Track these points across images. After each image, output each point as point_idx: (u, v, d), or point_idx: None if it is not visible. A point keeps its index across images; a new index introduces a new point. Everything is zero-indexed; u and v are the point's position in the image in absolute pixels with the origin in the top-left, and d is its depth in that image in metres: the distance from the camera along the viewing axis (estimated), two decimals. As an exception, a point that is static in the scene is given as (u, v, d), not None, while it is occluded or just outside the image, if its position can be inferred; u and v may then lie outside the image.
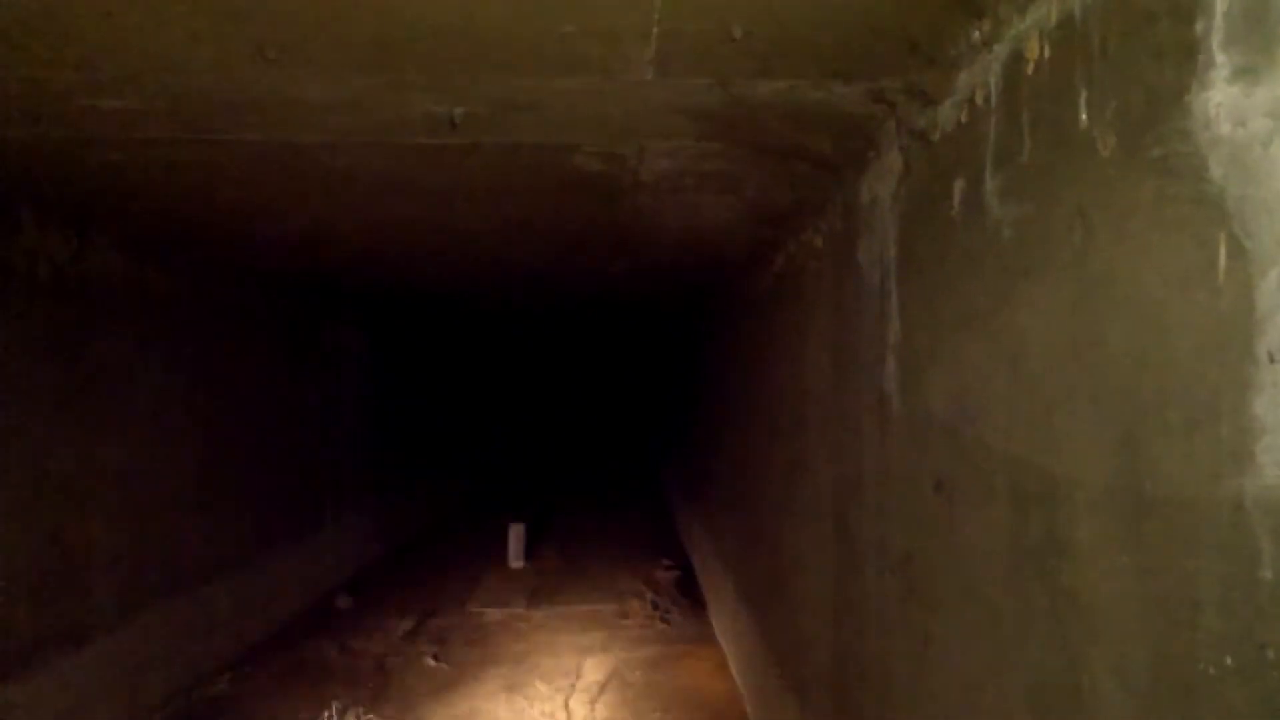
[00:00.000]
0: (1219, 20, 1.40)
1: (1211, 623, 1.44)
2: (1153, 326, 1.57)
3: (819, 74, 2.68)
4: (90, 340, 5.29)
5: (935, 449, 2.66)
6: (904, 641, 2.93)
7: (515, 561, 10.70)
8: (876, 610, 3.24)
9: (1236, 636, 1.39)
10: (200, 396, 6.69)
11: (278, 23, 2.35)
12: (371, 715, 5.98)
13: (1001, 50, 2.16)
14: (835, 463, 3.85)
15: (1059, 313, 1.89)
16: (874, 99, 2.84)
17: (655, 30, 2.36)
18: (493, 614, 8.63)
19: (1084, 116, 1.77)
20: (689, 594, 9.22)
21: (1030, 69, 2.01)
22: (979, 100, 2.30)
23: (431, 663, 7.17)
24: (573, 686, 6.61)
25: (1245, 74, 1.35)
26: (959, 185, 2.44)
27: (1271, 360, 1.30)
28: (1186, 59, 1.46)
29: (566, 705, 6.25)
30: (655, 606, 8.74)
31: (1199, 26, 1.43)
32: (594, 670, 6.96)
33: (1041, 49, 1.95)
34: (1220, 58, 1.39)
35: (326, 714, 5.95)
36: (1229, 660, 1.41)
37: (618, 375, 24.70)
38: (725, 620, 7.43)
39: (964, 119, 2.41)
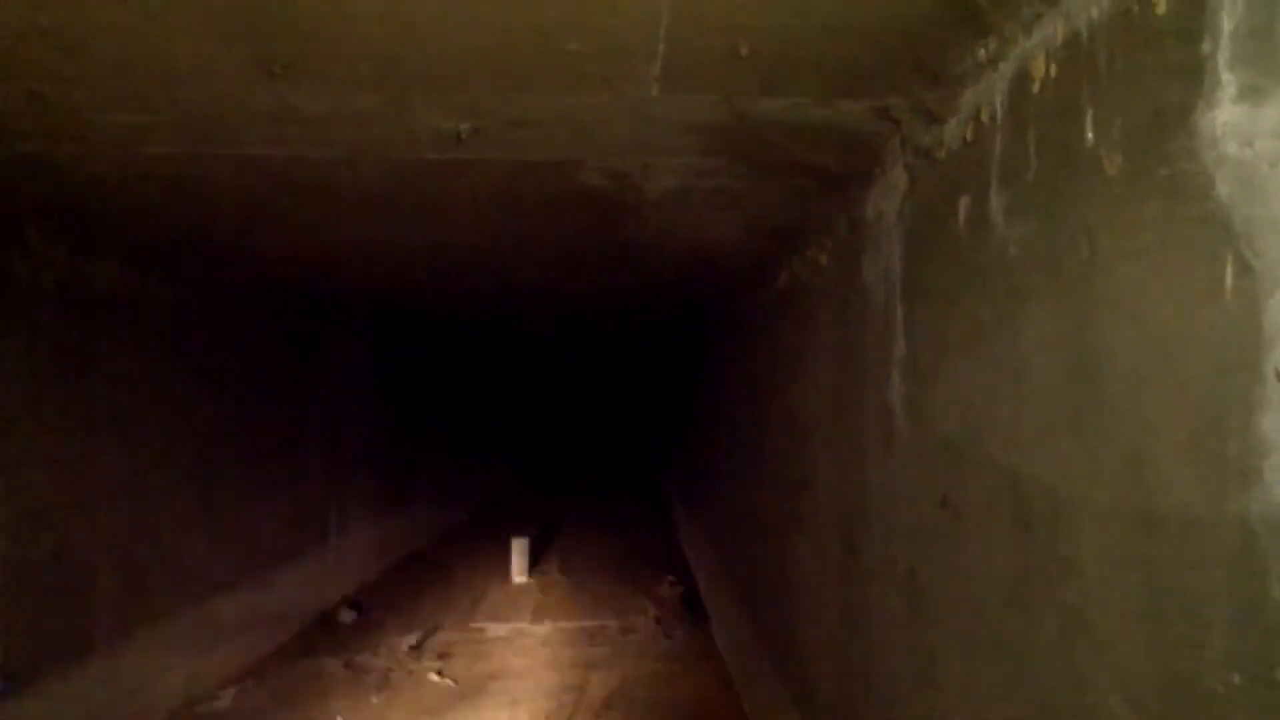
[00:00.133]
0: (1225, 40, 1.40)
1: (1220, 641, 1.44)
2: (1159, 345, 1.57)
3: (824, 91, 2.68)
4: (94, 354, 5.29)
5: (940, 466, 2.66)
6: (909, 658, 2.92)
7: (518, 576, 10.68)
8: (881, 627, 3.23)
9: (1245, 655, 1.39)
10: (203, 410, 6.69)
11: (284, 39, 2.36)
12: (374, 731, 5.96)
13: (1007, 69, 2.17)
14: (840, 479, 3.85)
15: (1065, 330, 1.89)
16: (879, 116, 2.84)
17: (662, 48, 2.37)
18: (496, 629, 8.61)
19: (1090, 135, 1.77)
20: (693, 608, 9.19)
21: (1036, 87, 2.01)
22: (985, 118, 2.31)
23: (436, 678, 7.14)
24: (577, 703, 6.58)
25: (1252, 94, 1.36)
26: (964, 203, 2.44)
27: (1279, 379, 1.30)
28: (1193, 78, 1.46)
29: (570, 721, 6.23)
30: (659, 622, 8.72)
31: (1205, 46, 1.44)
32: (598, 686, 6.93)
33: (1048, 68, 1.96)
34: (1227, 77, 1.40)
35: (329, 729, 5.94)
36: (1237, 679, 1.40)
37: (622, 389, 24.70)
38: (730, 635, 7.41)
39: (970, 137, 2.41)
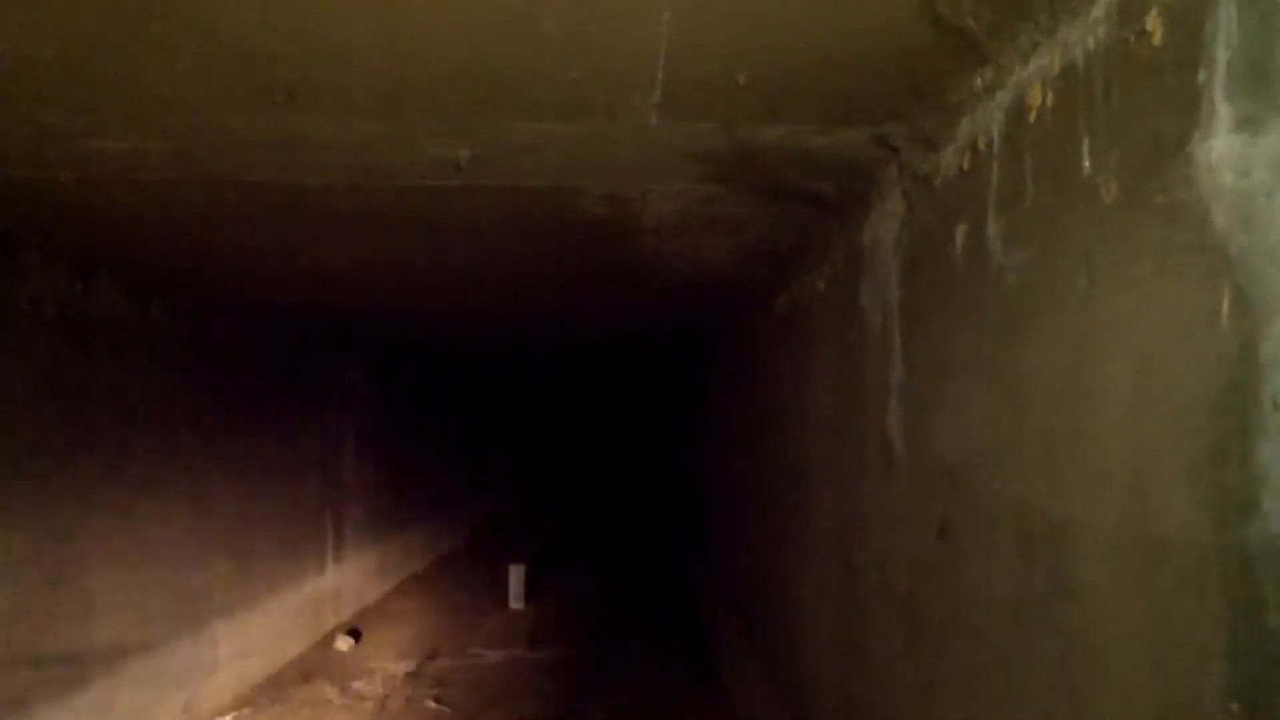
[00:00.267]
0: (1222, 70, 1.41)
1: (1219, 669, 1.43)
2: (1158, 373, 1.58)
3: (822, 119, 2.70)
4: (94, 380, 5.29)
5: (939, 491, 2.66)
6: (909, 685, 2.91)
7: (516, 603, 10.65)
8: (882, 653, 3.22)
9: (1244, 683, 1.38)
10: (200, 435, 6.67)
11: (286, 66, 2.37)
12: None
13: (1004, 97, 2.18)
14: (839, 505, 3.84)
15: (1063, 357, 1.90)
16: (877, 144, 2.86)
17: (661, 76, 2.38)
18: (494, 655, 8.57)
19: (1087, 164, 1.78)
20: (693, 633, 9.16)
21: (1033, 116, 2.03)
22: (982, 146, 2.32)
23: (432, 705, 7.11)
24: (574, 730, 6.57)
25: (1248, 124, 1.37)
26: (962, 230, 2.45)
27: (1276, 408, 1.31)
28: (1189, 108, 1.47)
29: (568, 749, 6.21)
30: (658, 648, 8.69)
31: (1201, 76, 1.45)
32: (598, 713, 6.91)
33: (1044, 96, 1.97)
34: (1223, 108, 1.41)
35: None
36: (1235, 707, 1.40)
37: (621, 412, 24.68)
38: (730, 661, 7.38)
39: (966, 164, 2.42)
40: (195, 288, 5.86)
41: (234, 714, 6.78)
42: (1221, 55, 1.41)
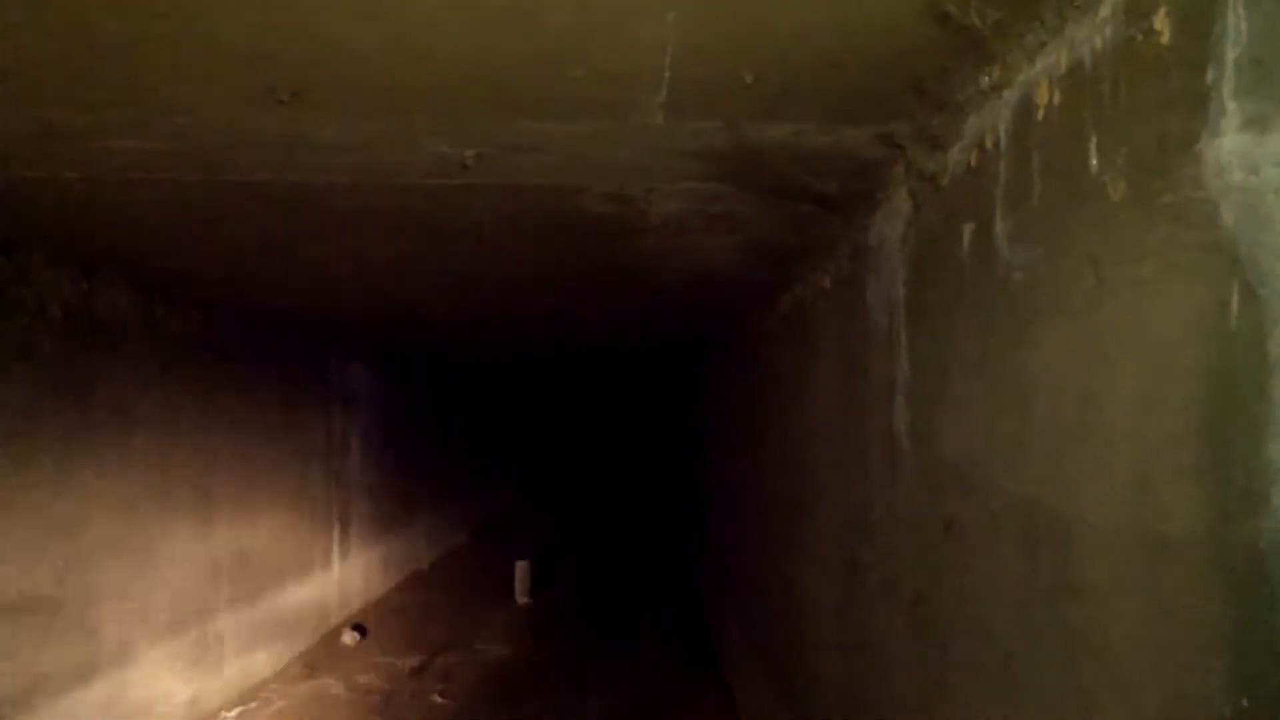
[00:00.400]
0: (1230, 69, 1.41)
1: (1227, 665, 1.44)
2: (1165, 370, 1.58)
3: (828, 118, 2.70)
4: (98, 379, 5.30)
5: (945, 490, 2.66)
6: (915, 683, 2.91)
7: (521, 598, 10.67)
8: (887, 651, 3.22)
9: (1252, 679, 1.39)
10: (204, 432, 6.69)
11: (290, 67, 2.37)
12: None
13: (1011, 96, 2.18)
14: (844, 503, 3.84)
15: (1071, 355, 1.90)
16: (883, 142, 2.85)
17: (667, 75, 2.38)
18: (499, 650, 8.59)
19: (1094, 162, 1.78)
20: (697, 631, 9.17)
21: (1040, 114, 2.03)
22: (988, 144, 2.32)
23: (438, 700, 7.13)
24: (579, 726, 6.58)
25: (1257, 122, 1.37)
26: (968, 228, 2.45)
27: (1285, 405, 1.31)
28: (1198, 107, 1.47)
29: (573, 745, 6.22)
30: (663, 645, 8.69)
31: (1210, 75, 1.44)
32: (602, 710, 6.92)
33: (1051, 95, 1.97)
34: (1232, 106, 1.41)
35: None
36: (1245, 703, 1.40)
37: (625, 410, 24.67)
38: (734, 659, 7.39)
39: (973, 163, 2.42)
40: (200, 287, 5.86)
41: (240, 708, 6.80)
42: (1230, 54, 1.41)
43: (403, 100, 2.60)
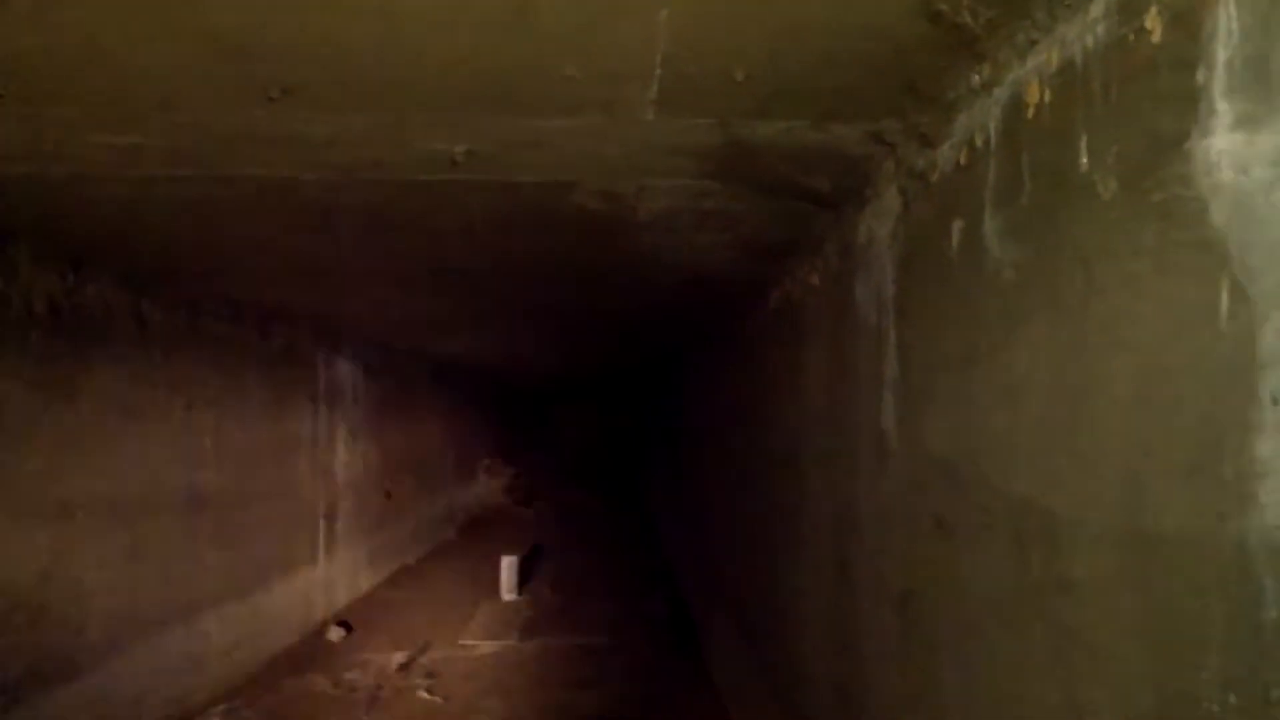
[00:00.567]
0: (1220, 69, 1.42)
1: (1216, 662, 1.45)
2: (1155, 368, 1.59)
3: (818, 115, 2.70)
4: (85, 374, 5.27)
5: (934, 487, 2.66)
6: (905, 680, 2.92)
7: (508, 594, 10.65)
8: (877, 648, 3.23)
9: (1240, 676, 1.40)
10: (191, 428, 6.66)
11: (281, 62, 2.37)
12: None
13: (1001, 94, 2.19)
14: (833, 500, 3.85)
15: (1060, 353, 1.90)
16: (873, 140, 2.86)
17: (658, 72, 2.38)
18: (486, 646, 8.58)
19: (1084, 160, 1.79)
20: (684, 629, 9.17)
21: (1030, 113, 2.03)
22: (978, 142, 2.32)
23: (425, 696, 7.11)
24: (567, 722, 6.58)
25: (1247, 122, 1.37)
26: (958, 226, 2.45)
27: (1274, 403, 1.32)
28: (1188, 106, 1.48)
29: (560, 741, 6.21)
30: (650, 641, 8.70)
31: (1200, 75, 1.45)
32: (589, 705, 6.92)
33: (1042, 93, 1.97)
34: (1222, 106, 1.41)
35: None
36: (1233, 699, 1.41)
37: (615, 406, 24.65)
38: (722, 657, 7.39)
39: (963, 160, 2.43)
40: (188, 283, 5.84)
41: (226, 705, 6.77)
42: (1220, 54, 1.42)
43: (394, 97, 2.60)
